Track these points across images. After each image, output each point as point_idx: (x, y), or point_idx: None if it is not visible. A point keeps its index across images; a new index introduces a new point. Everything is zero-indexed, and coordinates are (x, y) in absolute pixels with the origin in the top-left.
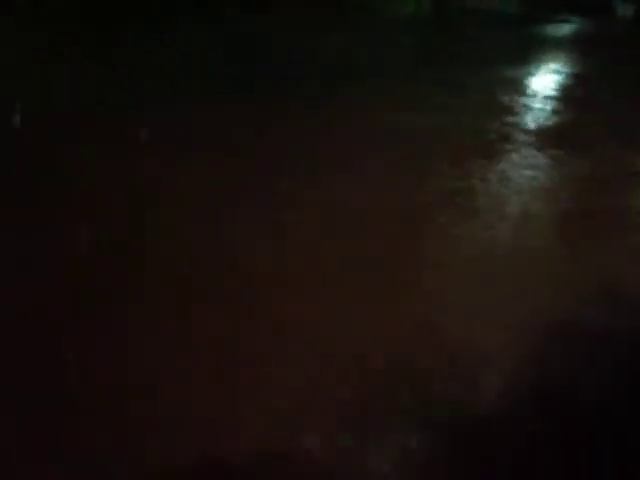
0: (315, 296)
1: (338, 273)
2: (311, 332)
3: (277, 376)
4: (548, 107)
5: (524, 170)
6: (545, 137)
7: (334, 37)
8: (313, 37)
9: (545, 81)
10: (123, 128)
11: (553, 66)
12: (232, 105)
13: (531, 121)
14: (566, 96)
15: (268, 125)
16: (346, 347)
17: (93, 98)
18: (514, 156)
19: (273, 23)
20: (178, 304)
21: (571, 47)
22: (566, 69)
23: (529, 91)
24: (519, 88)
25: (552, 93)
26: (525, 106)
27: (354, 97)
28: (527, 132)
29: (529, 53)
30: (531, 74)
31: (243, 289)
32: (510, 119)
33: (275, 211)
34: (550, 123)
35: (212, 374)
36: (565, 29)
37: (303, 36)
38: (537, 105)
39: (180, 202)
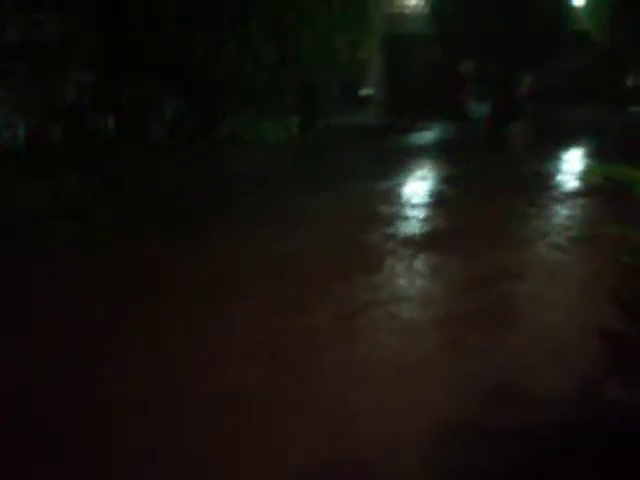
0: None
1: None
2: None
3: None
4: (421, 214)
5: (406, 278)
6: (421, 244)
7: (210, 169)
8: (186, 170)
9: (415, 189)
10: None
11: (421, 173)
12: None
13: (406, 230)
14: (436, 201)
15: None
16: None
17: None
18: (395, 267)
19: (155, 161)
20: None
21: (435, 153)
22: (433, 175)
23: (402, 200)
24: (392, 198)
25: (423, 200)
26: (399, 215)
27: (236, 226)
28: (404, 241)
29: (397, 163)
30: (402, 183)
31: None
32: (386, 230)
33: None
34: (424, 230)
35: None
36: (428, 136)
37: (179, 168)
38: (410, 213)
39: None
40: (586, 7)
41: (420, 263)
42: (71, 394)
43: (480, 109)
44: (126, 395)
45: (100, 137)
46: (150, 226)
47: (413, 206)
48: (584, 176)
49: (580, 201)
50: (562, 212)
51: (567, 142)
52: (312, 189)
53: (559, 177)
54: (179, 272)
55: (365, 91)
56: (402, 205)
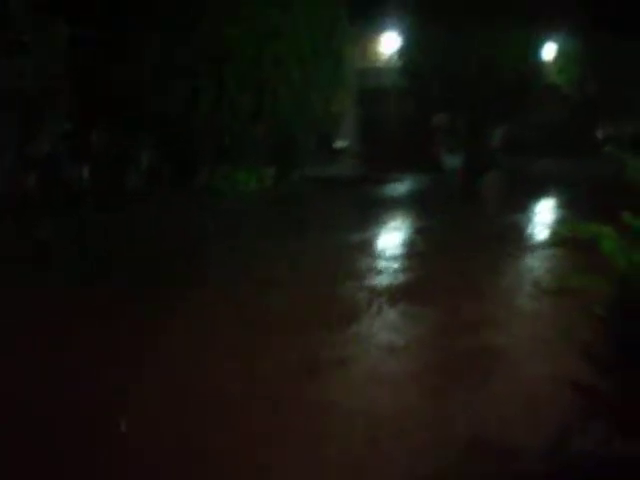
0: None
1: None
2: None
3: None
4: (395, 266)
5: (381, 330)
6: (394, 297)
7: (183, 220)
8: (159, 221)
9: (390, 240)
10: None
11: (395, 224)
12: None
13: (380, 282)
14: (410, 253)
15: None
16: None
17: None
18: (369, 318)
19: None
20: None
21: (409, 204)
22: (407, 226)
23: (376, 252)
24: (366, 250)
25: (397, 252)
26: (373, 268)
27: (201, 285)
28: (379, 294)
29: (372, 214)
30: (376, 234)
31: None
32: (359, 283)
33: None
34: (397, 282)
35: None
36: (402, 187)
37: (152, 218)
38: (384, 265)
39: None
40: (556, 61)
41: (393, 315)
42: None
43: (453, 161)
44: None
45: (75, 186)
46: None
47: (387, 258)
48: (555, 231)
49: (551, 252)
50: (535, 264)
51: (539, 194)
52: (285, 241)
53: (531, 229)
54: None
55: (340, 143)
56: (376, 257)
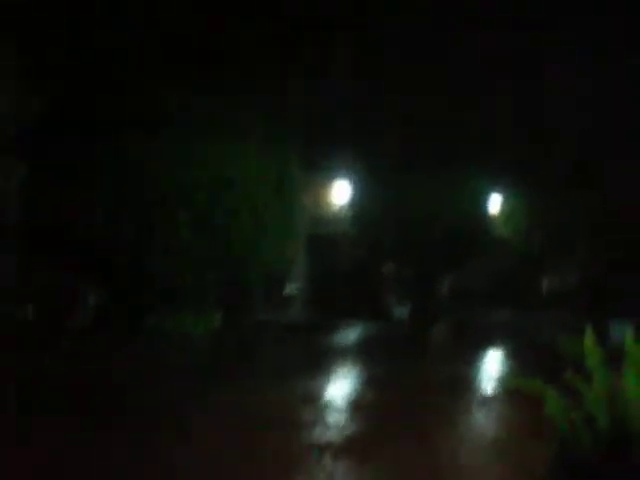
0: None
1: None
2: None
3: None
4: (344, 416)
5: None
6: (338, 450)
7: (122, 363)
8: (98, 363)
9: (338, 389)
10: None
11: (343, 373)
12: None
13: (329, 434)
14: (358, 403)
15: None
16: None
17: None
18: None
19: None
20: None
21: (358, 353)
22: (356, 375)
23: (324, 402)
24: (315, 400)
25: (346, 401)
26: (321, 419)
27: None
28: (326, 446)
29: (321, 362)
30: (325, 383)
31: None
32: (307, 434)
33: None
34: (343, 435)
35: None
36: (352, 335)
37: (92, 361)
38: (333, 416)
39: None
40: (501, 215)
41: (335, 471)
42: None
43: (401, 310)
44: None
45: (16, 326)
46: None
47: (334, 409)
48: (502, 385)
49: (499, 406)
50: (482, 419)
51: (485, 344)
52: (227, 389)
53: (479, 381)
54: None
55: (291, 288)
56: (323, 408)
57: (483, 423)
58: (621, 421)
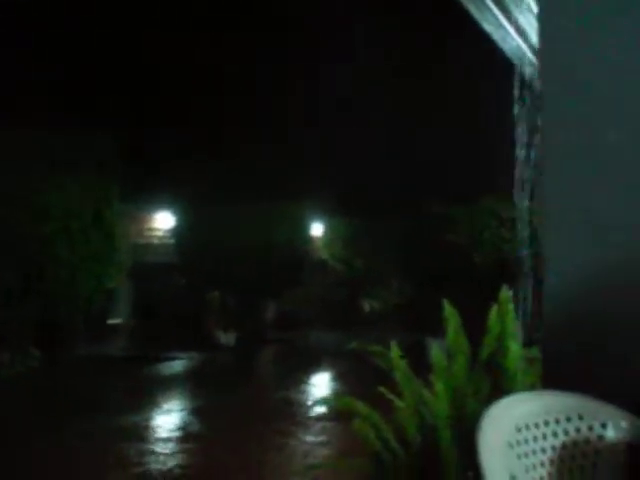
0: None
1: None
2: None
3: None
4: (174, 448)
5: None
6: None
7: None
8: None
9: (165, 422)
10: None
11: (169, 405)
12: None
13: (151, 468)
14: (188, 434)
15: None
16: None
17: None
18: None
19: None
20: None
21: (184, 383)
22: (182, 406)
23: (151, 436)
24: (141, 434)
25: (175, 434)
26: (149, 453)
27: None
28: None
29: (146, 395)
30: (151, 417)
31: None
32: (131, 471)
33: None
34: (167, 467)
35: None
36: (177, 366)
37: None
38: (162, 449)
39: None
40: (324, 236)
41: None
42: None
43: (227, 337)
44: None
45: None
46: None
47: (159, 442)
48: (325, 404)
49: (325, 426)
50: (308, 440)
51: (313, 367)
52: (41, 429)
53: (305, 402)
54: None
55: (114, 320)
56: (148, 442)
57: (308, 446)
58: (431, 429)
